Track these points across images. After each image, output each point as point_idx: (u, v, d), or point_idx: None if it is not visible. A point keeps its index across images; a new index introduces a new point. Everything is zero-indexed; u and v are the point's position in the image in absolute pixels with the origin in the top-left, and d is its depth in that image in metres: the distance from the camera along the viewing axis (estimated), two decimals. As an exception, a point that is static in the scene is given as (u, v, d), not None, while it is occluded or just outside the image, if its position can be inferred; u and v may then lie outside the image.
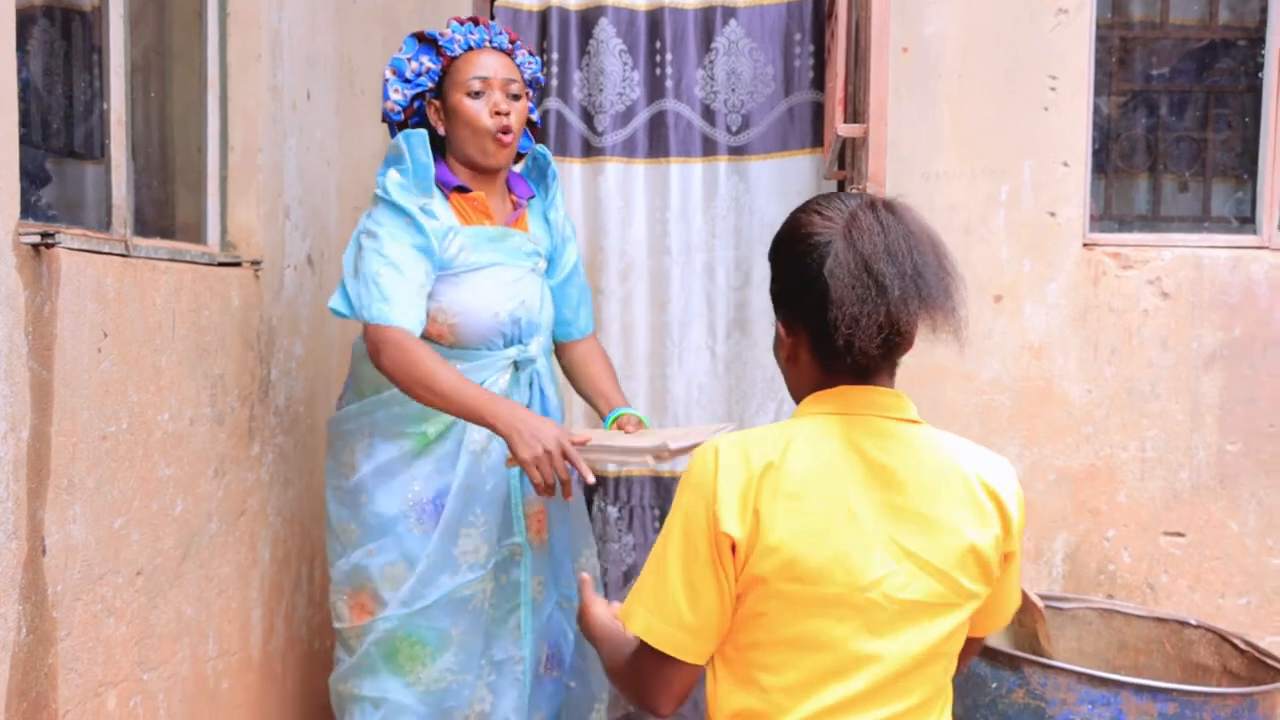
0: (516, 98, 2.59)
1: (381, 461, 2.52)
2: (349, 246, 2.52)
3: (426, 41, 2.60)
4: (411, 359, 2.35)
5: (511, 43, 2.65)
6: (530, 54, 2.70)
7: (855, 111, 3.03)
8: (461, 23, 2.61)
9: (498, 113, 2.54)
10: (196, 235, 2.77)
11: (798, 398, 1.70)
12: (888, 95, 2.76)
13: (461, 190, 2.58)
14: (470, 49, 2.58)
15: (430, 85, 2.60)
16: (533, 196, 2.74)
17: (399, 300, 2.40)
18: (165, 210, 2.74)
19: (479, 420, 2.33)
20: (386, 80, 2.60)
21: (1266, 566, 3.51)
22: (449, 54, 2.58)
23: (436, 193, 2.55)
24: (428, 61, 2.59)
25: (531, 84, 2.71)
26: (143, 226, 2.47)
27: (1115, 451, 3.52)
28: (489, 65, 2.57)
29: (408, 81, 2.58)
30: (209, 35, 2.76)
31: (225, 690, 2.64)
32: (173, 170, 2.78)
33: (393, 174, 2.49)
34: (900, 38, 3.43)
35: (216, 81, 2.78)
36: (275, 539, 2.93)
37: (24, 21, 1.92)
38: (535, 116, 2.77)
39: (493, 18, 3.46)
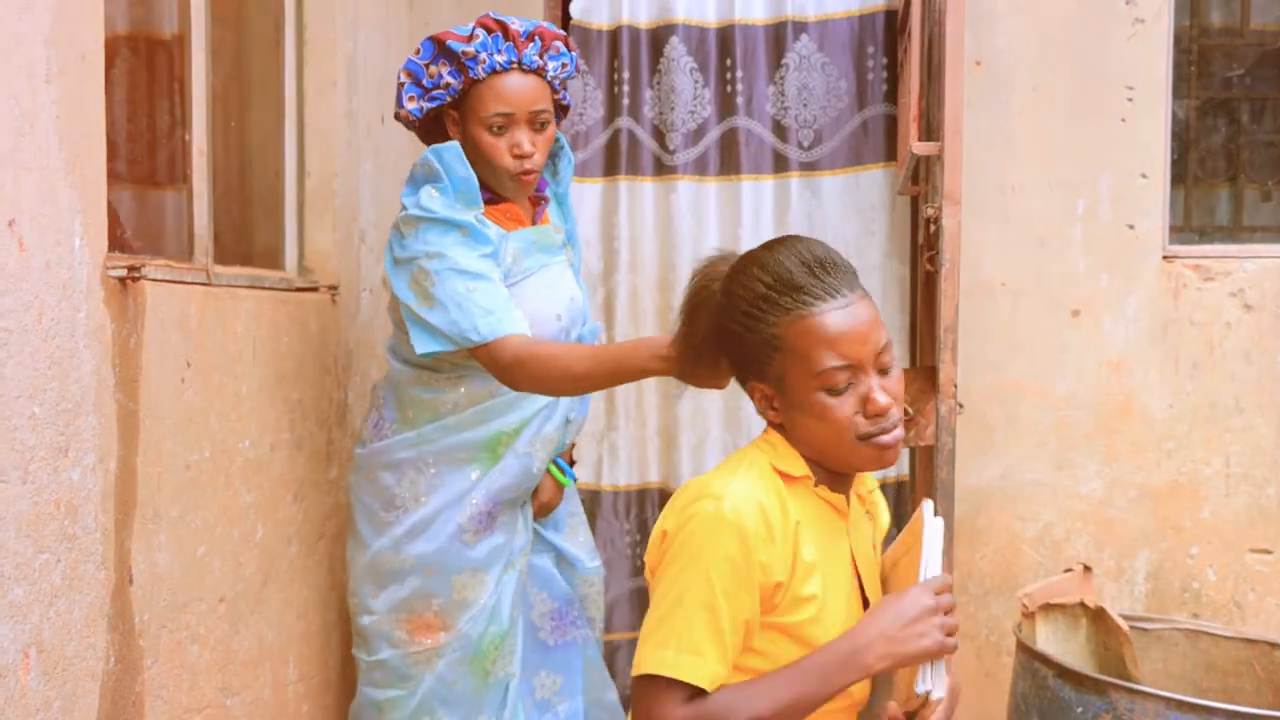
0: (544, 125, 2.40)
1: (452, 491, 2.45)
2: (397, 282, 2.34)
3: (446, 52, 2.37)
4: (546, 369, 2.22)
5: (543, 53, 2.40)
6: (565, 49, 2.44)
7: (929, 128, 3.00)
8: (489, 31, 2.35)
9: (519, 155, 2.37)
10: (274, 260, 2.79)
11: None
12: (963, 113, 2.73)
13: (493, 201, 2.43)
14: (495, 71, 2.35)
15: (449, 99, 2.39)
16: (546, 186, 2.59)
17: (501, 309, 2.27)
18: (243, 236, 2.77)
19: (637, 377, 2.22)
20: (401, 84, 2.40)
21: (1358, 585, 3.42)
22: (471, 75, 2.36)
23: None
24: (447, 75, 2.36)
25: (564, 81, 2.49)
26: (221, 253, 2.48)
27: (1198, 467, 3.45)
28: (514, 96, 2.36)
29: (424, 90, 2.39)
30: (287, 63, 2.78)
31: (305, 713, 2.65)
32: (251, 196, 2.81)
33: (430, 192, 2.33)
34: (973, 50, 3.38)
35: (294, 108, 2.80)
36: (352, 561, 2.94)
37: (107, 54, 1.94)
38: (567, 100, 2.54)
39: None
